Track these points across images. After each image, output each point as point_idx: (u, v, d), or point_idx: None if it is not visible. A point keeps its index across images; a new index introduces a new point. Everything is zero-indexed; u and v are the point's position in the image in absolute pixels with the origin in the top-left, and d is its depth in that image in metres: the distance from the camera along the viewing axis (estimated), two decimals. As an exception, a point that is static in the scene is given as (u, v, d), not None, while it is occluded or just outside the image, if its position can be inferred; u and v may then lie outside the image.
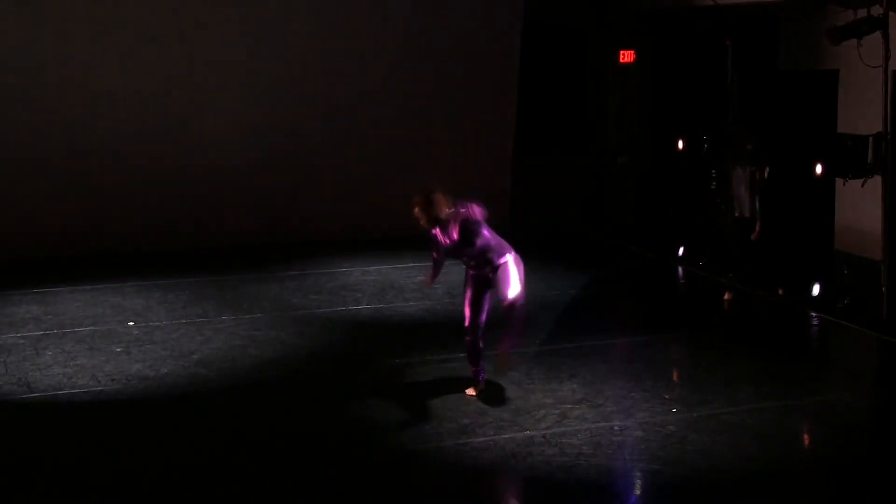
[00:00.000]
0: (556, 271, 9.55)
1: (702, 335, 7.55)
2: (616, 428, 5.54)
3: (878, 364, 7.15)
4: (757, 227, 8.51)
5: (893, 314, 7.43)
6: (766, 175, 8.47)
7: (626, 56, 11.68)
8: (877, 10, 7.64)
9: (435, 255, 5.93)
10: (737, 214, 8.69)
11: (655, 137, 11.32)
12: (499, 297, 5.79)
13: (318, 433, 5.60)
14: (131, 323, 7.74)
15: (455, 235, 5.69)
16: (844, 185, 8.37)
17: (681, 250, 9.88)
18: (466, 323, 5.86)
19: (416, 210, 5.68)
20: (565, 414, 5.76)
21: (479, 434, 5.49)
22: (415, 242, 10.14)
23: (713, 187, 9.26)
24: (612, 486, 4.98)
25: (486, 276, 5.81)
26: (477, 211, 5.66)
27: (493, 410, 5.82)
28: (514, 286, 5.71)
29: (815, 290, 8.15)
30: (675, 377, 6.58)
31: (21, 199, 10.09)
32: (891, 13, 7.56)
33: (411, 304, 8.35)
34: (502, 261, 5.68)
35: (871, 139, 7.88)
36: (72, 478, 5.04)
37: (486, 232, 5.66)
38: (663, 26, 11.21)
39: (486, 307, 5.86)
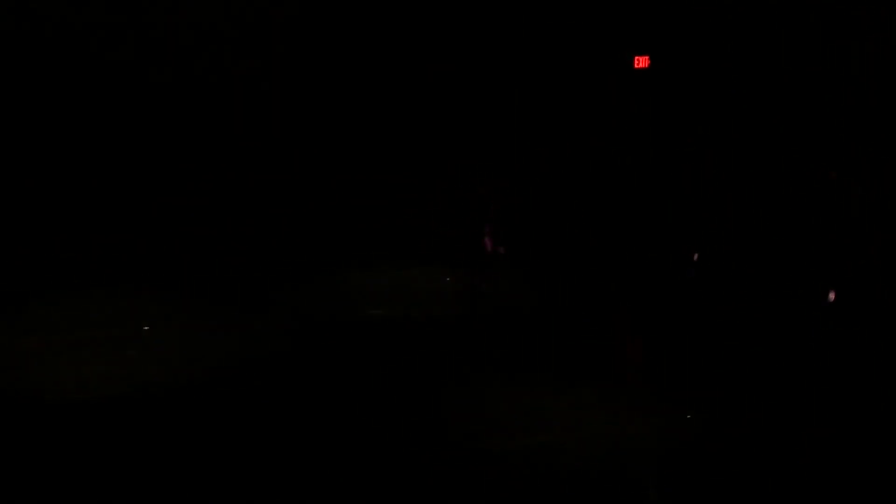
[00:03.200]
0: (560, 272, 9.56)
1: (707, 337, 7.55)
2: (628, 431, 5.55)
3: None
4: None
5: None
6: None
7: (641, 62, 11.67)
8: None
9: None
10: None
11: (664, 142, 11.32)
12: None
13: (326, 437, 5.61)
14: (146, 328, 7.76)
15: None
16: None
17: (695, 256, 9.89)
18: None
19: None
20: (575, 418, 5.76)
21: (490, 438, 5.50)
22: (417, 247, 10.16)
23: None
24: (621, 490, 4.98)
25: None
26: None
27: (504, 415, 5.82)
28: None
29: (831, 296, 8.15)
30: (689, 381, 6.58)
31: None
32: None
33: (419, 308, 8.36)
34: None
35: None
36: (80, 478, 5.06)
37: None
38: (678, 31, 11.21)
39: None
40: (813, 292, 8.33)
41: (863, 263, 8.51)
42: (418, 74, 11.12)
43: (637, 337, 7.71)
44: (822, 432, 5.68)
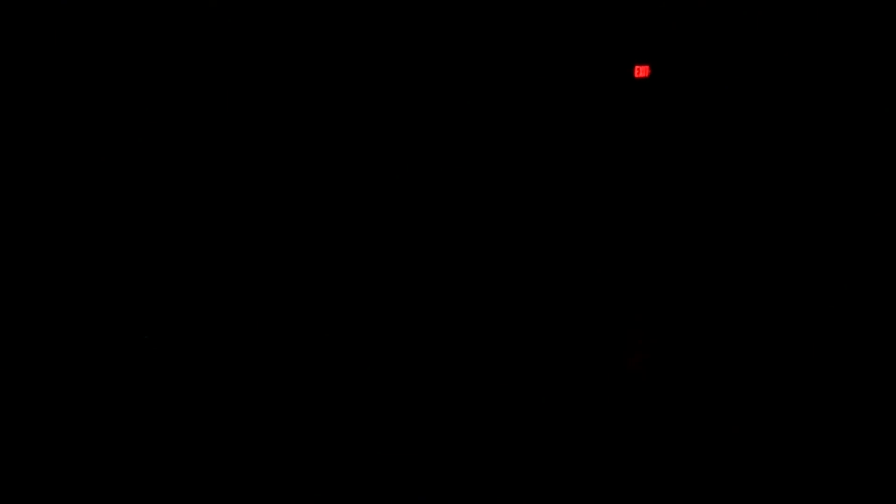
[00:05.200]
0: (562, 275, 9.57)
1: (708, 339, 7.55)
2: (630, 433, 5.54)
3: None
4: None
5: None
6: None
7: (641, 71, 11.64)
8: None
9: None
10: None
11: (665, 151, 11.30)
12: None
13: (327, 438, 5.61)
14: (146, 337, 7.74)
15: None
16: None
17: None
18: None
19: None
20: (573, 418, 5.76)
21: (486, 438, 5.49)
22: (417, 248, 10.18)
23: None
24: (621, 491, 4.97)
25: None
26: None
27: (502, 416, 5.82)
28: None
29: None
30: (689, 382, 6.58)
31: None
32: None
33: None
34: None
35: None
36: (78, 480, 5.06)
37: None
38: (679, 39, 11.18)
39: None
40: (813, 295, 8.32)
41: (863, 265, 8.50)
42: (418, 77, 11.14)
43: (639, 339, 7.72)
44: (823, 433, 5.68)
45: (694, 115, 9.03)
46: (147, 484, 4.79)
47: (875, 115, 5.54)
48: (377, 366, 5.46)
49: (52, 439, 4.77)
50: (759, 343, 5.60)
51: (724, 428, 5.44)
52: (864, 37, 6.32)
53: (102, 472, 4.76)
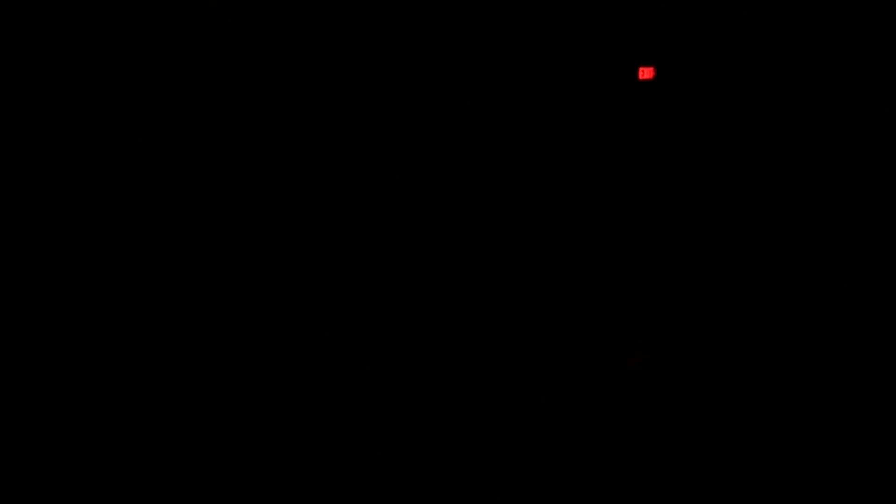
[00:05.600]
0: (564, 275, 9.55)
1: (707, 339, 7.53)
2: (630, 431, 5.53)
3: None
4: None
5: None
6: None
7: (646, 73, 11.61)
8: None
9: None
10: None
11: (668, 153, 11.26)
12: None
13: (327, 438, 5.60)
14: (144, 336, 7.73)
15: None
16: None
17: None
18: None
19: None
20: (572, 417, 5.74)
21: (483, 437, 5.48)
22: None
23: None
24: (621, 489, 4.96)
25: None
26: None
27: (500, 416, 5.81)
28: None
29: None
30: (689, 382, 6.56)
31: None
32: None
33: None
34: None
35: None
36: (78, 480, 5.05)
37: None
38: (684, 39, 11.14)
39: None
40: (813, 295, 8.28)
41: (863, 266, 8.46)
42: (422, 79, 11.13)
43: (639, 339, 7.71)
44: (823, 433, 5.66)
45: (698, 117, 8.98)
46: (147, 484, 4.79)
47: (882, 114, 5.52)
48: (377, 366, 5.46)
49: (53, 440, 4.78)
50: (759, 343, 5.59)
51: (724, 428, 5.42)
52: (867, 36, 6.29)
53: (102, 473, 4.77)
